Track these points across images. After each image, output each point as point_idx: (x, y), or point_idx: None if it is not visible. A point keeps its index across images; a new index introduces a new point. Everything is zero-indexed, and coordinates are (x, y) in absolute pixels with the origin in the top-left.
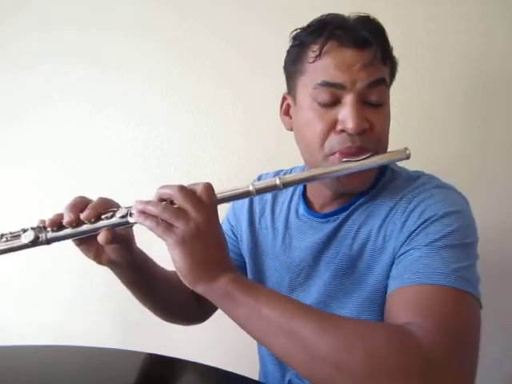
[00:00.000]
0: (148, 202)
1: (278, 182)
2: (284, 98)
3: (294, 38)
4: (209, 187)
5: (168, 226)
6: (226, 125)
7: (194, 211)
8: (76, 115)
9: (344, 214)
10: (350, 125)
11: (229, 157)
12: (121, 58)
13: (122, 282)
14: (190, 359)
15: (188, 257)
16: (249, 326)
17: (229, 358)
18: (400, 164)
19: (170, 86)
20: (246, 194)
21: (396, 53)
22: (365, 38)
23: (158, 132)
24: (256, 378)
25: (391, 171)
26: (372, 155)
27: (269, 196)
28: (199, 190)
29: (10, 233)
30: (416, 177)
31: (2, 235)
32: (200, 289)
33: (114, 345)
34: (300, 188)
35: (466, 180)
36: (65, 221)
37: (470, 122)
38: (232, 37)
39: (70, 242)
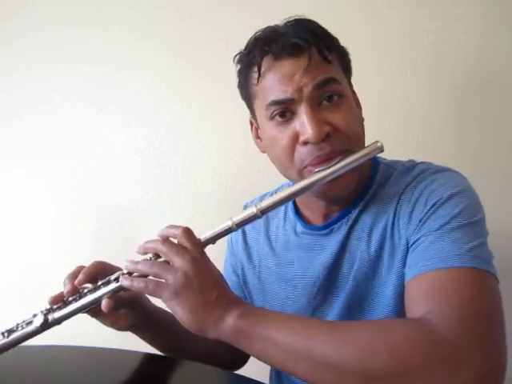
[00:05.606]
0: (138, 262)
1: (255, 210)
2: (251, 123)
3: (238, 63)
4: (186, 231)
5: (158, 283)
6: (225, 125)
7: (178, 260)
8: (76, 115)
9: (349, 219)
10: (309, 134)
11: (229, 157)
12: (121, 57)
13: (147, 342)
14: None
15: (185, 306)
16: (268, 358)
17: None
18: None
19: (170, 86)
20: (227, 231)
21: (396, 53)
22: (297, 44)
23: (158, 132)
24: (256, 377)
25: (384, 166)
26: (342, 159)
27: (261, 225)
28: (179, 237)
29: (23, 321)
30: (411, 166)
31: (17, 325)
32: (211, 333)
33: (114, 345)
34: (291, 207)
35: None
36: (65, 291)
37: (470, 122)
38: (232, 37)
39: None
